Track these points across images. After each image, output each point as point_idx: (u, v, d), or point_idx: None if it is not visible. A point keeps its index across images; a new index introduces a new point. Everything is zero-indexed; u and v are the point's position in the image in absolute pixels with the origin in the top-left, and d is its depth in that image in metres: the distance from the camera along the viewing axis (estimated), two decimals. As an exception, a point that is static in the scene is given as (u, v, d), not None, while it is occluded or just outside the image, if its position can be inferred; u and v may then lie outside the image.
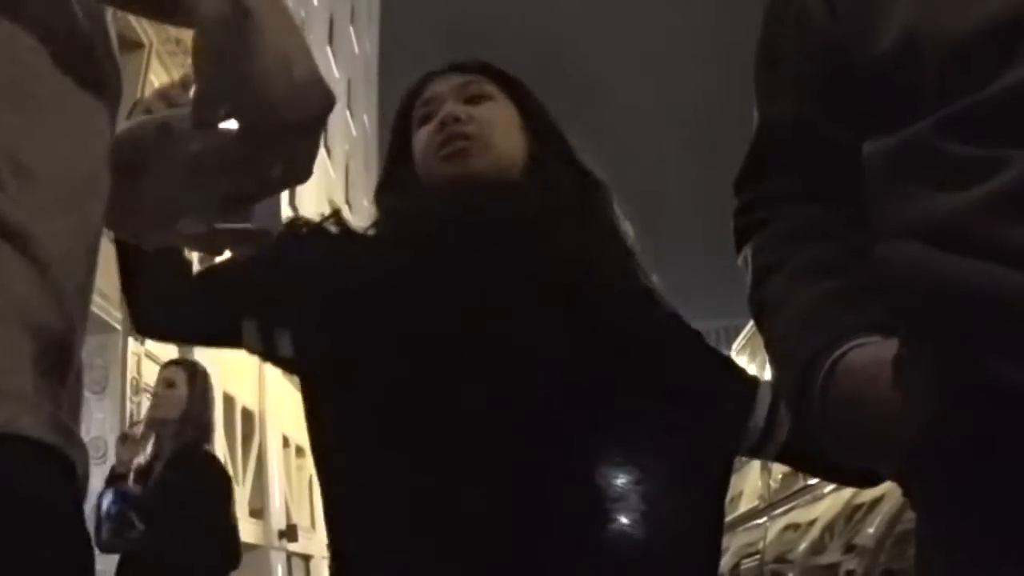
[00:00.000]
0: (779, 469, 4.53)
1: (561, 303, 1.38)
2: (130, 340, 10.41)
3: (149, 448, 3.92)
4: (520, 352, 1.34)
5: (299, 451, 19.07)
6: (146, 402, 10.93)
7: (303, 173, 0.73)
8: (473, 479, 1.30)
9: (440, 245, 1.41)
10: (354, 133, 28.52)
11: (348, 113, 27.72)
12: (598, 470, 1.34)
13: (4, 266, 0.57)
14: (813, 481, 3.79)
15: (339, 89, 25.94)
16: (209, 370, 4.21)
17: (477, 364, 1.33)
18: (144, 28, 11.39)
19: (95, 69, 0.68)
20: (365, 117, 30.92)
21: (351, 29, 28.13)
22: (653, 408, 1.38)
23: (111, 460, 4.06)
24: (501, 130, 1.53)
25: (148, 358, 11.02)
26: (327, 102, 0.71)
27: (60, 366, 0.62)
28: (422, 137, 1.53)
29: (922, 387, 0.89)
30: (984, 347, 0.82)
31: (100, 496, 3.84)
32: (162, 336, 1.60)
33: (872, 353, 0.94)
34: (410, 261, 1.41)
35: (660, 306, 1.48)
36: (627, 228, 1.54)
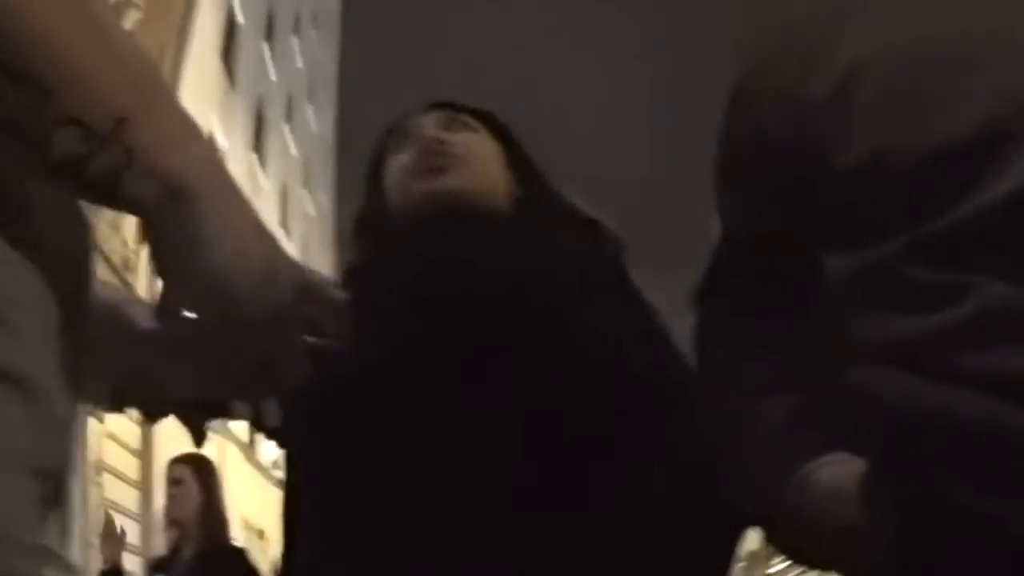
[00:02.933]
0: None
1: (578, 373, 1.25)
2: (92, 420, 10.19)
3: (168, 543, 3.97)
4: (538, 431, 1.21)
5: (260, 534, 18.71)
6: (108, 483, 10.98)
7: (286, 377, 0.70)
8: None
9: (430, 300, 1.29)
10: (312, 212, 28.47)
11: (306, 192, 27.71)
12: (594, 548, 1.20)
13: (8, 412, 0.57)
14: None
15: (296, 168, 25.94)
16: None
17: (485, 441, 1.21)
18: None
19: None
20: (322, 195, 30.92)
21: (309, 107, 28.22)
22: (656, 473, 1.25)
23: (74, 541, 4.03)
24: (483, 158, 1.47)
25: (110, 439, 10.87)
26: (296, 292, 0.67)
27: (58, 497, 0.62)
28: (397, 161, 1.46)
29: (885, 508, 0.90)
30: (948, 474, 0.83)
31: None
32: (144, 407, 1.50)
33: (837, 472, 0.96)
34: (397, 319, 1.29)
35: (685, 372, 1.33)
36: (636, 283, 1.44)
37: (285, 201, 24.43)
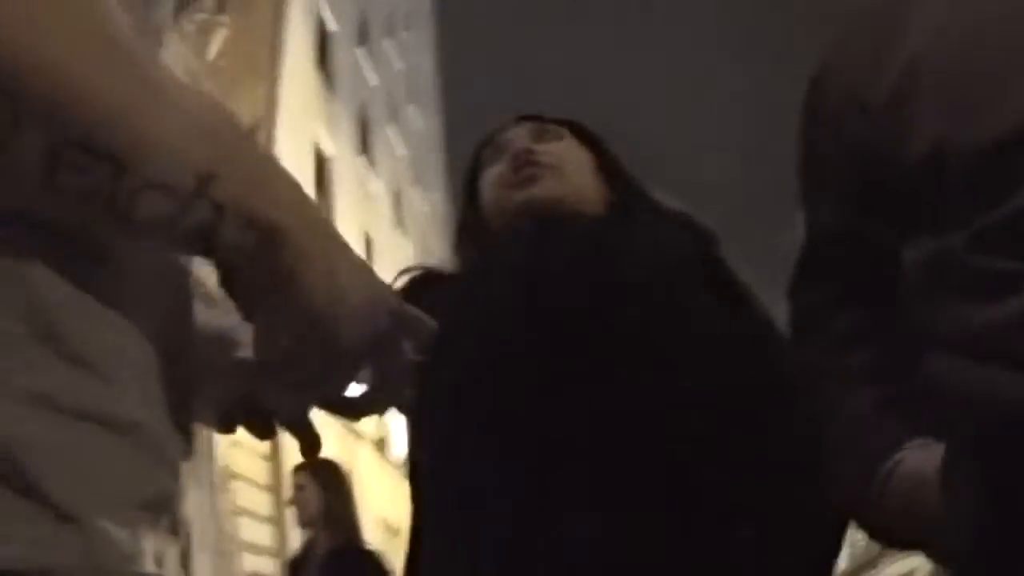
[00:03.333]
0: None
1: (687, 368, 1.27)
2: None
3: (302, 545, 4.14)
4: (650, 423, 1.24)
5: (396, 533, 19.02)
6: (237, 490, 11.32)
7: (394, 395, 0.75)
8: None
9: (534, 306, 1.32)
10: (426, 209, 28.79)
11: (418, 190, 28.03)
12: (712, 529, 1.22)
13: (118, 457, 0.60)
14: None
15: (405, 168, 26.28)
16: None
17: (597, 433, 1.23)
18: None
19: None
20: (436, 193, 31.26)
21: (411, 108, 28.53)
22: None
23: (208, 549, 4.29)
24: (575, 166, 1.51)
25: (235, 445, 11.16)
26: (391, 321, 0.69)
27: (173, 528, 0.66)
28: (492, 173, 1.52)
29: (965, 494, 0.92)
30: (1011, 457, 0.85)
31: None
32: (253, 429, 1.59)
33: (921, 459, 0.99)
34: (501, 324, 1.33)
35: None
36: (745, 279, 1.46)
37: (399, 202, 24.76)
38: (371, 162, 21.95)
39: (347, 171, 19.71)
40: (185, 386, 0.68)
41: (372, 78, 23.02)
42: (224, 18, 12.11)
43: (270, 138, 14.30)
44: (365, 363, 0.70)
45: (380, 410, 0.76)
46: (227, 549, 10.23)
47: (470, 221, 1.57)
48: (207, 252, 0.63)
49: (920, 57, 0.98)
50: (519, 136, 1.54)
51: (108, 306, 0.61)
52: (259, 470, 11.75)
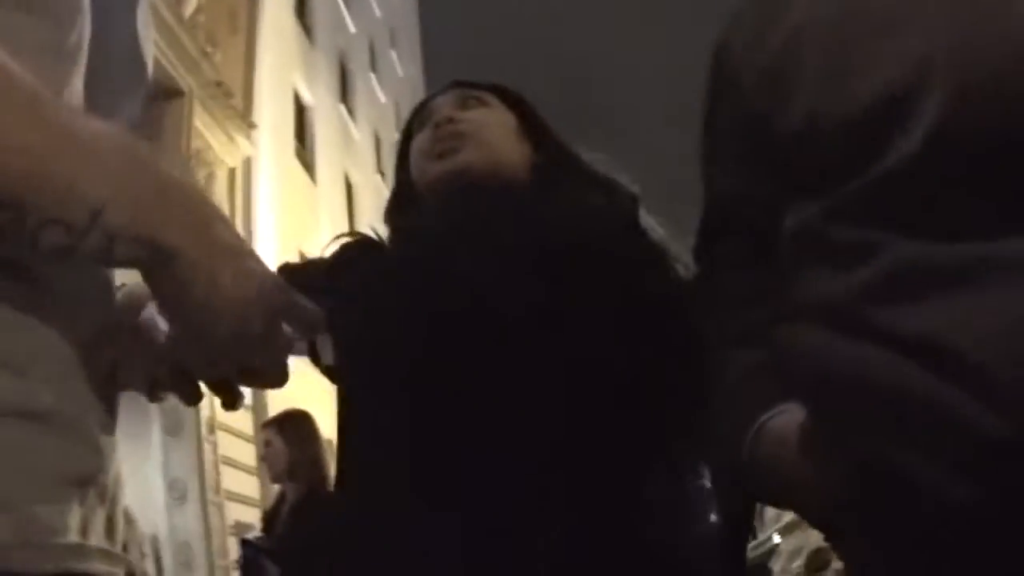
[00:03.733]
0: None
1: (603, 312, 1.31)
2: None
3: (274, 499, 4.20)
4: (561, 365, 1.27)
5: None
6: (222, 440, 11.38)
7: (272, 380, 0.83)
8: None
9: (450, 269, 1.35)
10: (408, 155, 28.64)
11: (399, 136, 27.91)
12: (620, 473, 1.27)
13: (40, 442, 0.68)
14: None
15: (388, 113, 26.17)
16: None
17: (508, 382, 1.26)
18: (181, 75, 11.60)
19: None
20: (417, 139, 31.06)
21: (393, 53, 28.35)
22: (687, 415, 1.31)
23: (191, 500, 4.24)
24: (497, 132, 1.52)
25: (220, 397, 11.24)
26: (269, 316, 0.78)
27: (103, 500, 0.75)
28: (417, 141, 1.55)
29: (822, 454, 0.94)
30: (866, 427, 0.87)
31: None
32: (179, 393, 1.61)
33: (786, 421, 1.00)
34: (424, 287, 1.36)
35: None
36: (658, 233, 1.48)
37: (380, 147, 24.70)
38: (351, 110, 21.91)
39: (328, 119, 19.66)
40: (109, 368, 0.78)
41: (352, 26, 22.88)
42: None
43: (250, 90, 14.30)
44: (247, 348, 0.78)
45: (276, 381, 0.83)
46: (212, 499, 10.34)
47: (401, 189, 1.60)
48: (109, 264, 0.75)
49: (801, 28, 1.00)
50: (443, 104, 1.56)
51: (28, 314, 0.69)
52: (244, 421, 11.83)
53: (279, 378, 0.83)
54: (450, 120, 1.51)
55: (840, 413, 0.91)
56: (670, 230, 1.49)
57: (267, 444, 4.15)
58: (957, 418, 0.81)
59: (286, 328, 0.82)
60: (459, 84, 1.62)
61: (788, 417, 1.01)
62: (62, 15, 0.76)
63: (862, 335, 0.88)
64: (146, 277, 0.74)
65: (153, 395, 0.90)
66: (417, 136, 1.56)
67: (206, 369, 0.81)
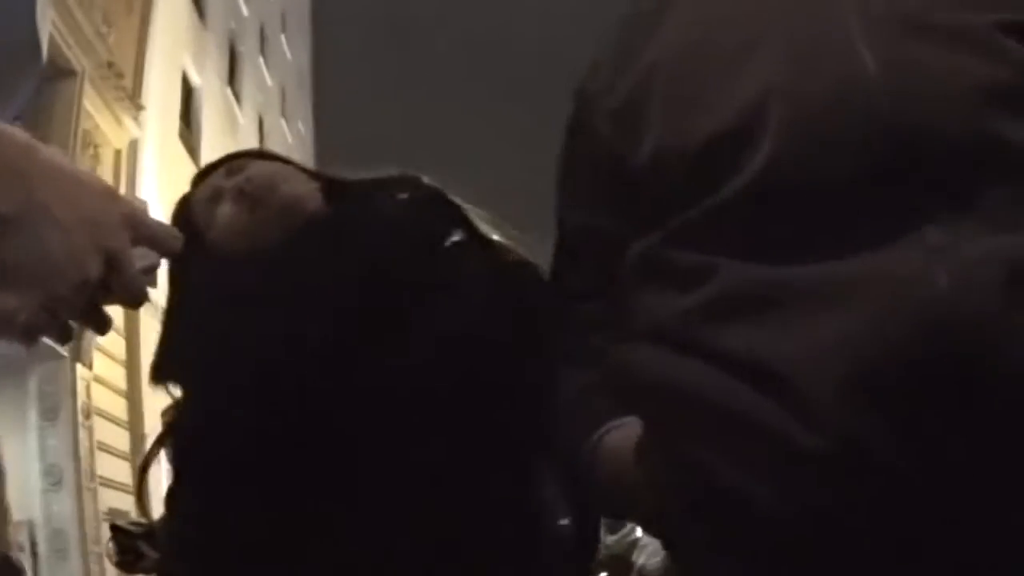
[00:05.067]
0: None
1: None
2: (78, 366, 10.49)
3: None
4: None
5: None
6: (98, 426, 11.16)
7: (129, 304, 0.84)
8: None
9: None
10: (290, 140, 28.44)
11: (283, 121, 27.69)
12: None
13: None
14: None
15: (273, 98, 25.92)
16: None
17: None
18: (76, 55, 11.41)
19: None
20: (300, 124, 30.85)
21: (282, 37, 28.06)
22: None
23: (67, 486, 3.93)
24: (278, 177, 1.49)
25: (98, 382, 11.14)
26: (103, 264, 0.79)
27: None
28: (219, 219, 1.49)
29: (654, 465, 0.99)
30: (693, 439, 0.91)
31: None
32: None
33: (622, 435, 1.06)
34: None
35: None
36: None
37: (262, 132, 24.45)
38: (238, 93, 21.66)
39: (214, 102, 19.41)
40: None
41: (245, 9, 22.61)
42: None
43: (140, 71, 14.09)
44: (92, 291, 0.78)
45: (133, 304, 0.84)
46: (87, 486, 10.27)
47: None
48: None
49: (649, 74, 1.04)
50: (213, 186, 1.50)
51: None
52: (119, 407, 11.73)
53: (135, 301, 0.83)
54: (222, 188, 1.49)
55: (670, 425, 0.95)
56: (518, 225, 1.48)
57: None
58: (776, 433, 0.84)
59: (141, 251, 0.83)
60: (211, 168, 1.59)
61: (624, 431, 1.05)
62: None
63: (693, 352, 0.91)
64: None
65: (29, 338, 0.86)
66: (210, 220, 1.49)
67: (60, 315, 0.80)
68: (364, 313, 1.26)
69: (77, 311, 0.81)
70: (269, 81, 25.50)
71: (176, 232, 0.86)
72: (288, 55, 28.87)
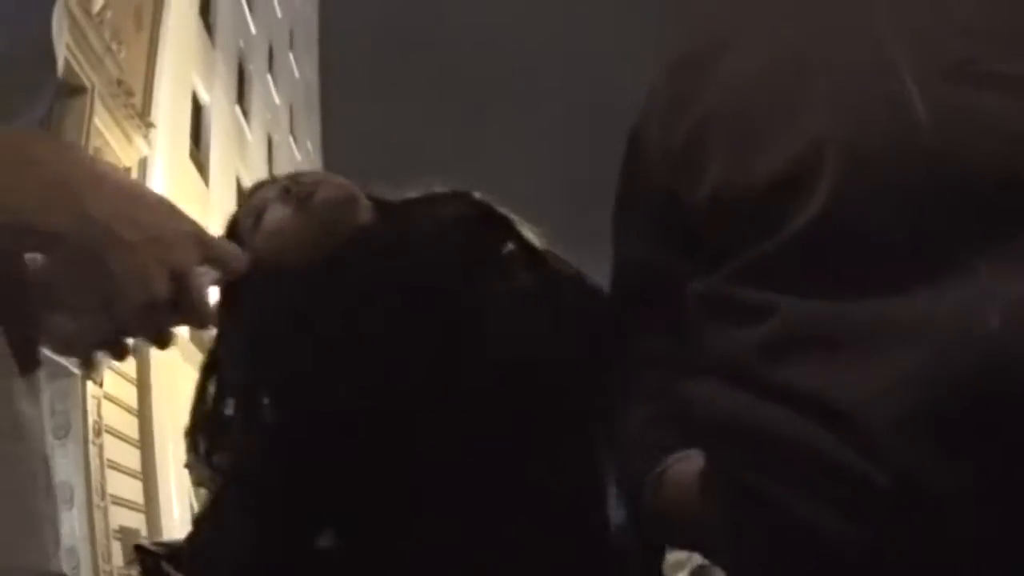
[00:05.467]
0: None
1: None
2: (89, 384, 10.46)
3: None
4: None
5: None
6: (108, 444, 11.18)
7: (197, 323, 0.81)
8: None
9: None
10: (298, 158, 28.53)
11: (292, 139, 27.77)
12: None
13: None
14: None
15: (282, 116, 26.00)
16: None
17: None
18: (86, 72, 11.43)
19: None
20: (308, 143, 30.94)
21: (290, 56, 28.19)
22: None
23: (77, 505, 4.00)
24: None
25: (108, 400, 11.13)
26: (167, 283, 0.77)
27: None
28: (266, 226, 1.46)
29: (719, 499, 1.01)
30: (759, 474, 0.93)
31: None
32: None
33: (685, 468, 1.08)
34: None
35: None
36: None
37: (271, 150, 24.51)
38: (247, 111, 21.72)
39: (223, 120, 19.47)
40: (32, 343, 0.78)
41: (253, 27, 22.70)
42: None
43: (150, 89, 14.13)
44: (159, 311, 0.76)
45: (200, 324, 0.81)
46: (98, 504, 10.21)
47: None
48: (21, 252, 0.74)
49: (709, 113, 1.06)
50: (258, 198, 1.48)
51: None
52: (130, 425, 11.70)
53: (203, 322, 0.81)
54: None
55: (736, 459, 0.97)
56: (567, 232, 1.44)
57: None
58: (841, 468, 0.87)
59: (203, 270, 0.80)
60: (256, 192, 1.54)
61: (688, 463, 1.07)
62: None
63: (756, 388, 0.94)
64: (49, 260, 0.74)
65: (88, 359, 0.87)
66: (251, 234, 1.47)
67: (123, 337, 0.80)
68: (419, 328, 1.24)
69: (142, 333, 0.79)
70: (277, 99, 25.60)
71: (240, 251, 0.84)
72: (296, 73, 28.98)
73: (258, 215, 1.44)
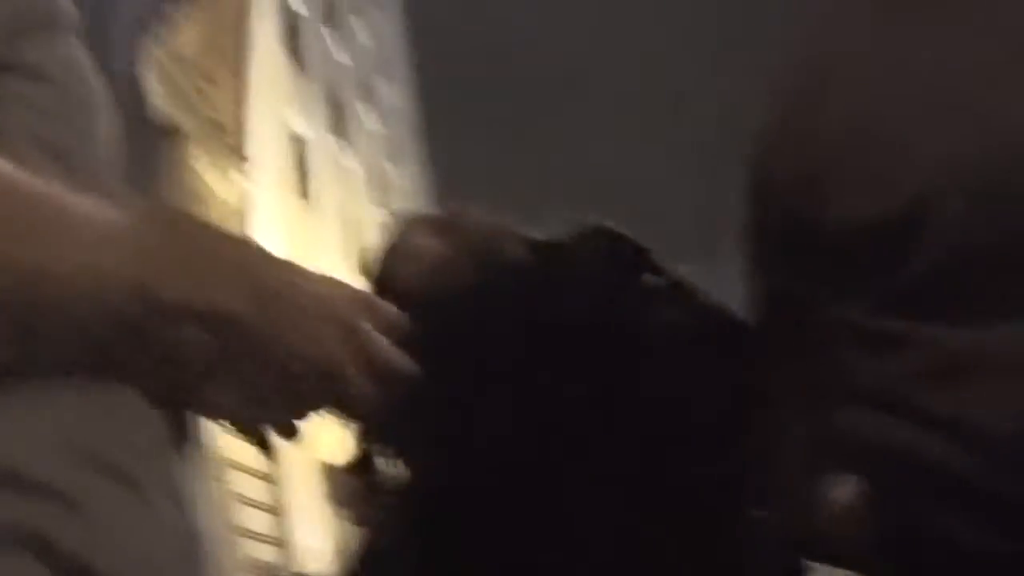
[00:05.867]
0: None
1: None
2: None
3: None
4: None
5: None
6: (235, 477, 11.37)
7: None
8: None
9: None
10: (403, 185, 28.81)
11: (394, 166, 28.04)
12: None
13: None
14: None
15: (381, 144, 26.28)
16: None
17: None
18: (177, 113, 11.65)
19: None
20: (411, 169, 31.25)
21: (383, 83, 28.47)
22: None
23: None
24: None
25: (231, 434, 11.26)
26: (339, 353, 0.76)
27: None
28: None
29: (879, 524, 1.02)
30: (914, 497, 0.97)
31: None
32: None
33: (844, 492, 1.06)
34: None
35: None
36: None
37: (375, 178, 24.77)
38: (345, 141, 21.96)
39: (321, 151, 19.72)
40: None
41: (342, 57, 22.97)
42: (190, 12, 12.05)
43: (243, 126, 14.31)
44: (342, 380, 0.76)
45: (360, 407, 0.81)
46: (225, 536, 10.36)
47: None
48: (171, 346, 0.70)
49: (832, 141, 1.08)
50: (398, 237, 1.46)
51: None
52: (257, 458, 11.82)
53: (385, 375, 0.80)
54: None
55: (894, 485, 0.99)
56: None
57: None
58: (997, 494, 0.90)
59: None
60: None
61: (845, 488, 1.06)
62: (67, 81, 0.78)
63: (904, 415, 0.96)
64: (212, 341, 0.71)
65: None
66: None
67: (300, 407, 0.78)
68: (573, 367, 1.20)
69: (319, 403, 0.79)
70: (375, 127, 25.86)
71: (403, 316, 0.85)
72: (390, 100, 29.27)
73: (404, 251, 1.41)
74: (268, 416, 0.78)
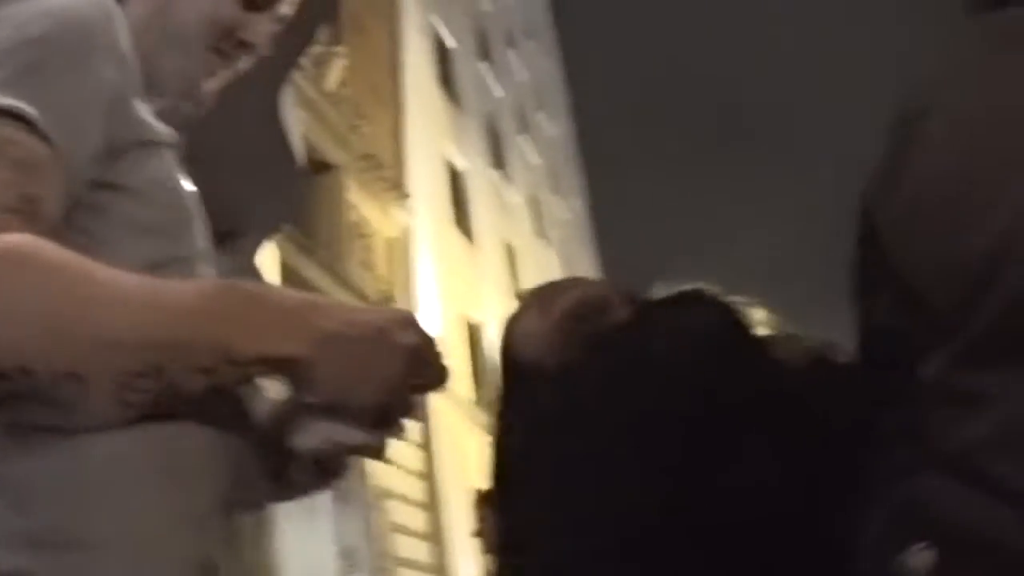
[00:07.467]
0: None
1: None
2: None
3: None
4: None
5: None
6: (391, 508, 11.51)
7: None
8: None
9: None
10: (566, 217, 28.81)
11: (557, 198, 28.06)
12: None
13: None
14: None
15: (541, 176, 26.36)
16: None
17: None
18: (331, 148, 11.89)
19: None
20: (574, 198, 31.22)
21: (541, 114, 28.62)
22: None
23: (362, 568, 4.38)
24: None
25: (389, 465, 11.35)
26: (391, 393, 0.92)
27: None
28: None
29: None
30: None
31: None
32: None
33: (921, 561, 1.02)
34: None
35: None
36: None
37: (538, 211, 24.84)
38: (505, 173, 22.08)
39: (481, 184, 19.88)
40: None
41: (497, 90, 23.18)
42: (340, 48, 12.28)
43: (401, 161, 14.51)
44: (400, 399, 0.91)
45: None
46: (383, 567, 10.44)
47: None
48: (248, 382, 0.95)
49: (924, 178, 1.05)
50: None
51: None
52: (414, 488, 11.93)
53: (443, 384, 0.94)
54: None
55: (964, 561, 0.96)
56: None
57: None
58: None
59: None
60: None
61: (925, 555, 1.02)
62: (146, 191, 0.95)
63: (979, 486, 0.93)
64: (289, 381, 0.90)
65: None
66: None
67: (388, 421, 0.92)
68: (692, 439, 1.22)
69: (400, 408, 0.92)
70: (535, 159, 25.97)
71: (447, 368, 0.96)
72: (548, 131, 29.38)
73: (515, 330, 1.50)
74: (347, 438, 0.91)
